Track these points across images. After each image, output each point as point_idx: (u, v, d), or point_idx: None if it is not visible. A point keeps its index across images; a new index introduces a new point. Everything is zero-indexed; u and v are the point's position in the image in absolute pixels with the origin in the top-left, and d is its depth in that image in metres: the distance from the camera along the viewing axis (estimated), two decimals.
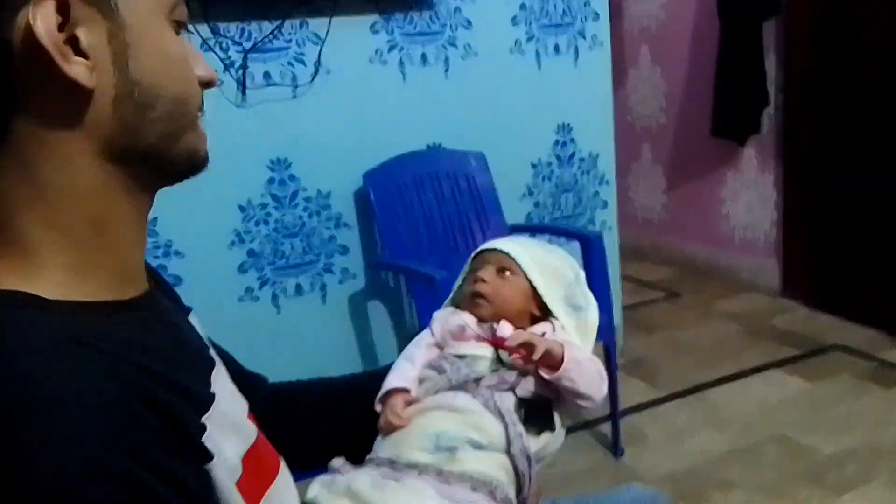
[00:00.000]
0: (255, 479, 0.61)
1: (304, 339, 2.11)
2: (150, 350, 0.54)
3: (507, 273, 0.88)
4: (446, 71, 2.20)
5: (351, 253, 2.15)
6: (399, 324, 2.23)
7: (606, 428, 2.12)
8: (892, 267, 2.69)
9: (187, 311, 0.75)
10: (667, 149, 3.62)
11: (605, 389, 0.82)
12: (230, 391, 0.67)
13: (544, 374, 0.78)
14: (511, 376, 0.80)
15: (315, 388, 0.95)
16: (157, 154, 0.57)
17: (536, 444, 0.78)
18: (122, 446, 0.45)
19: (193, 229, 1.97)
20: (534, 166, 2.38)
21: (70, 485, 0.43)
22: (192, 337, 0.68)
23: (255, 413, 0.71)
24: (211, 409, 0.57)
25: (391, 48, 2.12)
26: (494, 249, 0.91)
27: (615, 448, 2.06)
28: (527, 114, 2.32)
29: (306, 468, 0.81)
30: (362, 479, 0.73)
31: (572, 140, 2.42)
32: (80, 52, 0.51)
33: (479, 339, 0.85)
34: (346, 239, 2.14)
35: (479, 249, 0.94)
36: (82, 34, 0.50)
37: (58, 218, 0.53)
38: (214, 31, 1.93)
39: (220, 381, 0.64)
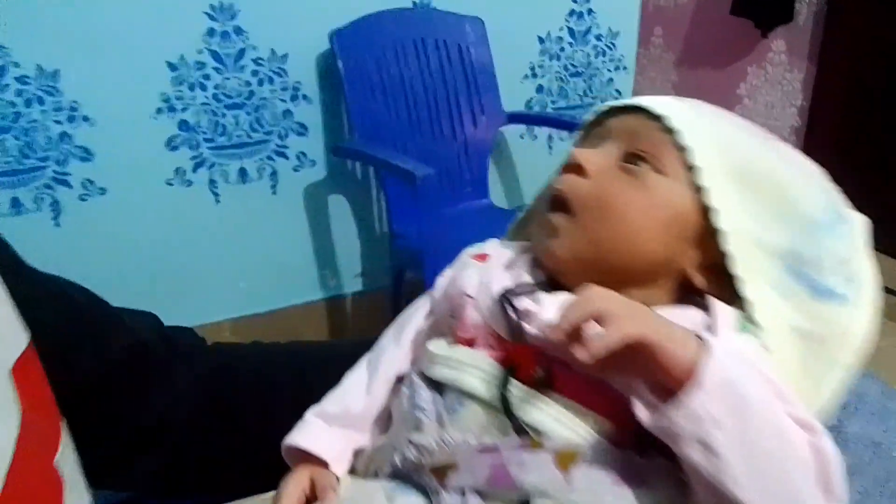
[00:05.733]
0: None
1: (248, 235, 1.73)
2: None
3: (644, 165, 0.50)
4: None
5: (310, 134, 1.73)
6: (366, 226, 1.86)
7: None
8: None
9: None
10: (682, 34, 3.17)
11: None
12: None
13: (641, 414, 0.41)
14: (522, 456, 0.43)
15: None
16: None
17: None
18: None
19: (108, 89, 1.53)
20: (541, 40, 1.94)
21: None
22: None
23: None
24: None
25: None
26: (635, 108, 0.53)
27: None
28: None
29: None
30: None
31: (590, 11, 1.97)
32: None
33: (488, 335, 0.49)
34: (306, 116, 1.72)
35: (600, 108, 0.55)
36: None
37: None
38: None
39: None
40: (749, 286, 0.48)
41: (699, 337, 0.42)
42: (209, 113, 1.63)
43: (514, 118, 1.86)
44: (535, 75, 1.96)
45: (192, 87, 1.60)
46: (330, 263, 1.85)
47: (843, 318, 0.48)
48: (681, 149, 0.50)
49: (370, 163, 1.73)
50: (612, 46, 2.04)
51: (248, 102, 1.65)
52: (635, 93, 2.21)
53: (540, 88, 1.98)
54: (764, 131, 0.56)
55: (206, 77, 1.60)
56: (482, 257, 0.55)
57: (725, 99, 3.00)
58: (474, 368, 0.47)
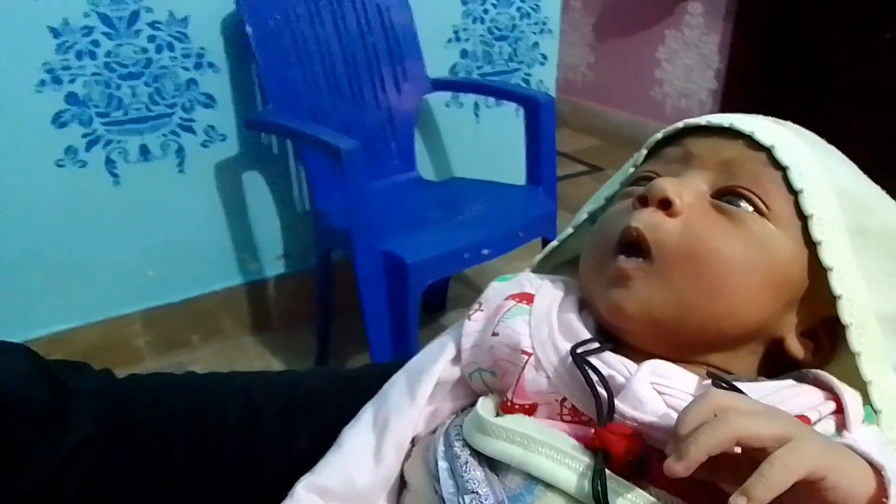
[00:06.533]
0: None
1: (154, 219, 1.58)
2: None
3: (744, 206, 0.41)
4: None
5: (219, 105, 1.58)
6: (286, 204, 1.73)
7: None
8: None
9: None
10: None
11: None
12: None
13: None
14: None
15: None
16: None
17: None
18: None
19: None
20: (464, 2, 1.84)
21: None
22: None
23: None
24: None
25: None
26: (723, 129, 0.44)
27: None
28: None
29: None
30: None
31: None
32: None
33: (557, 404, 0.41)
34: (213, 86, 1.57)
35: (680, 125, 0.46)
36: None
37: None
38: None
39: None
40: (868, 362, 0.40)
41: (861, 457, 0.34)
42: (101, 84, 1.46)
43: (439, 84, 1.76)
44: (458, 39, 1.87)
45: (79, 56, 1.42)
46: (248, 246, 1.72)
47: None
48: (793, 191, 0.41)
49: (288, 135, 1.60)
50: (536, 8, 1.96)
51: (146, 71, 1.49)
52: (560, 58, 2.15)
53: (464, 53, 1.89)
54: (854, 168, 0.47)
55: (96, 43, 1.43)
56: (525, 297, 0.45)
57: (645, 63, 3.00)
58: (549, 448, 0.37)
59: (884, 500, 0.32)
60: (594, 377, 0.38)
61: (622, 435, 0.36)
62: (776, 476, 0.30)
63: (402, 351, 1.39)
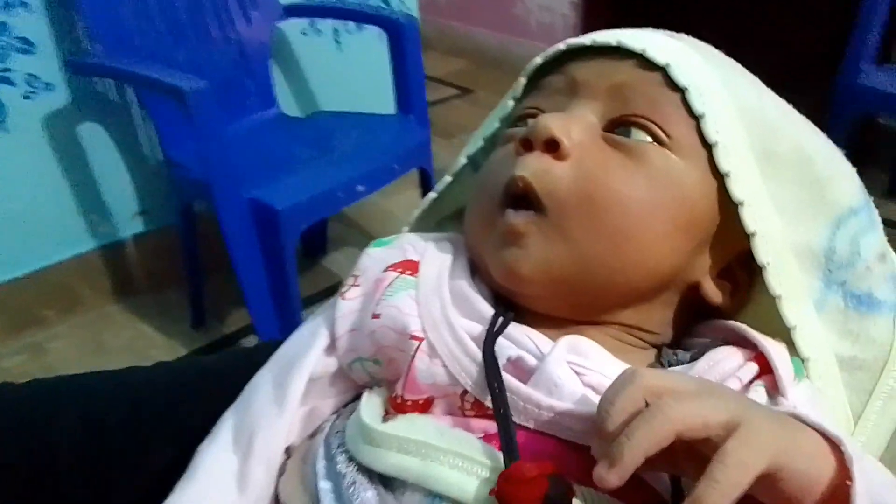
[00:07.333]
0: None
1: None
2: None
3: (642, 136, 0.36)
4: None
5: (40, 51, 1.38)
6: (134, 157, 1.56)
7: None
8: None
9: None
10: None
11: None
12: None
13: None
14: None
15: None
16: None
17: None
18: None
19: None
20: None
21: None
22: None
23: None
24: None
25: None
26: (611, 49, 0.38)
27: None
28: None
29: None
30: None
31: None
32: None
33: (457, 398, 0.35)
34: (28, 28, 1.36)
35: (555, 49, 0.40)
36: None
37: None
38: None
39: None
40: (789, 305, 0.36)
41: (815, 431, 0.29)
42: None
43: (292, 11, 1.62)
44: None
45: None
46: (97, 206, 1.55)
47: (886, 334, 0.38)
48: (694, 115, 0.36)
49: (121, 79, 1.43)
50: None
51: None
52: None
53: None
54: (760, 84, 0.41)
55: None
56: (409, 267, 0.38)
57: None
58: (453, 456, 0.31)
59: (847, 481, 0.28)
60: (509, 374, 0.33)
61: (528, 483, 0.29)
62: (731, 477, 0.26)
63: (282, 304, 1.31)
